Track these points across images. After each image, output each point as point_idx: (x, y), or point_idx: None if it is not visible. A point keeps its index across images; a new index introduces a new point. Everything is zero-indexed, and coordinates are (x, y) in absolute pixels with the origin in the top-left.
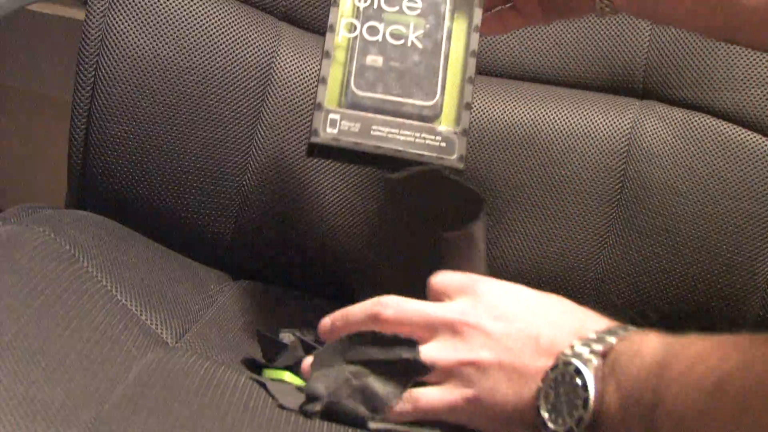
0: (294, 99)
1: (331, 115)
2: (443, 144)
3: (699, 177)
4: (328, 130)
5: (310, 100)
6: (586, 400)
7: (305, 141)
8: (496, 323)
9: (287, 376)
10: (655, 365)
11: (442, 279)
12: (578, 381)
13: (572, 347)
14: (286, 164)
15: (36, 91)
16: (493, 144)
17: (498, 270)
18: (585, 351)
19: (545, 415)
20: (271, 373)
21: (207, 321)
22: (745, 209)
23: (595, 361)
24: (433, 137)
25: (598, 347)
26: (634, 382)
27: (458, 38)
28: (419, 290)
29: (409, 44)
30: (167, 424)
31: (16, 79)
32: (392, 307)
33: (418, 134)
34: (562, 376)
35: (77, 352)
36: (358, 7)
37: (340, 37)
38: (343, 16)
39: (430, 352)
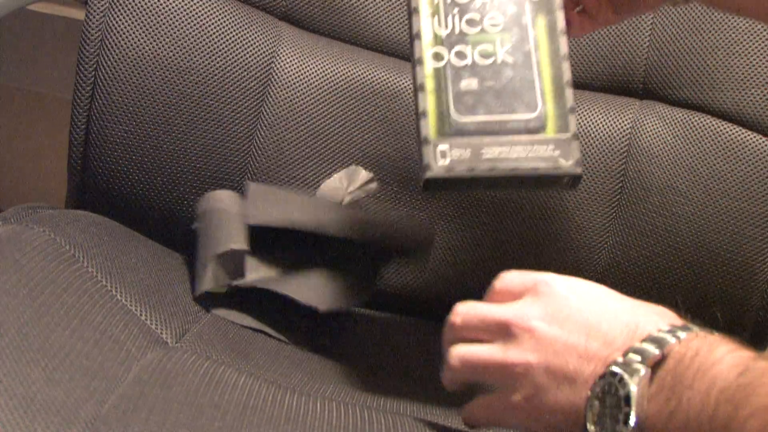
0: (294, 99)
1: (440, 147)
2: (556, 152)
3: (699, 177)
4: (440, 162)
5: (310, 100)
6: (627, 414)
7: (305, 142)
8: (550, 326)
9: None
10: (728, 387)
11: (503, 279)
12: (622, 392)
13: (624, 354)
14: (286, 164)
15: (36, 91)
16: None
17: (498, 270)
18: (635, 359)
19: (591, 428)
20: None
21: (207, 321)
22: (745, 209)
23: (643, 371)
24: (544, 147)
25: (651, 352)
26: (696, 400)
27: (545, 45)
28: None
29: (499, 61)
30: (167, 423)
31: (16, 79)
32: (461, 315)
33: (529, 147)
34: (608, 387)
35: (77, 352)
36: (440, 36)
37: (429, 68)
38: (427, 47)
39: (481, 351)
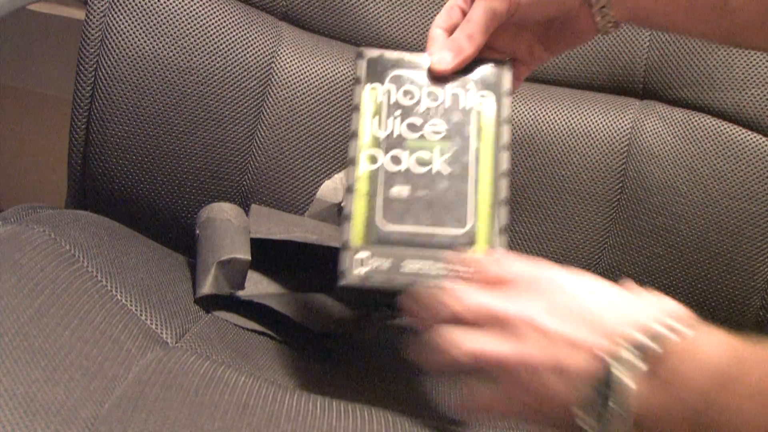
0: (294, 99)
1: (359, 254)
2: None
3: (699, 177)
4: (356, 270)
5: (310, 100)
6: (623, 406)
7: (305, 142)
8: (552, 320)
9: None
10: (718, 374)
11: (510, 268)
12: (617, 387)
13: (619, 346)
14: (286, 164)
15: (36, 91)
16: None
17: None
18: (630, 355)
19: (582, 416)
20: None
21: (207, 321)
22: (745, 209)
23: (639, 363)
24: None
25: (648, 345)
26: (688, 387)
27: (486, 158)
28: None
29: (434, 171)
30: (167, 423)
31: (16, 79)
32: (462, 301)
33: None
34: (605, 382)
35: (77, 352)
36: (378, 138)
37: (362, 171)
38: (363, 149)
39: (481, 343)
